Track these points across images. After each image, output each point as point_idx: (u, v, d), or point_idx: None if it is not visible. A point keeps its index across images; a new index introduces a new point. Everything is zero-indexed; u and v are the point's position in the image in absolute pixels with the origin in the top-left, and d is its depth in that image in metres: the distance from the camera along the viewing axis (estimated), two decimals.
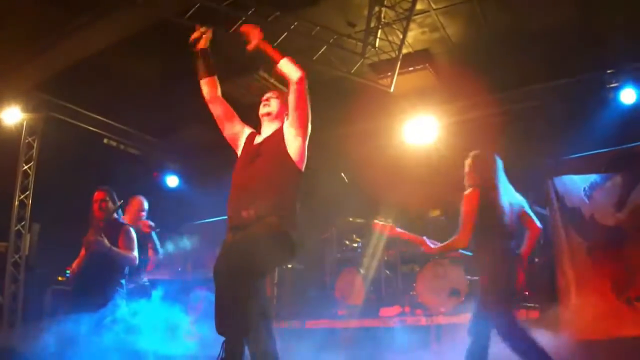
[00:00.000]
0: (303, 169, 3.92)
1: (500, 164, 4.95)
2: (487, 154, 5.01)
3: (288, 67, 3.87)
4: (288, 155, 3.84)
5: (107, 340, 5.44)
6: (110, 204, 6.19)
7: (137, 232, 6.23)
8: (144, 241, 6.76)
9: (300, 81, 3.83)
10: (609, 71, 8.26)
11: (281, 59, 3.89)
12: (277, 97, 4.14)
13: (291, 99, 3.88)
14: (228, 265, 3.52)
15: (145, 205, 7.02)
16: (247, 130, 4.23)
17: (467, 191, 4.79)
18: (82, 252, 6.15)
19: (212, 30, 4.24)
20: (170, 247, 7.88)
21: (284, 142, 3.87)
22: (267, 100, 4.14)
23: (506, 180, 4.91)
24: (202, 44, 4.19)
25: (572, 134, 8.07)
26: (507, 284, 4.52)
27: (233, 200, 3.86)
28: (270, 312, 3.71)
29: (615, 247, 7.42)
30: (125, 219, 6.55)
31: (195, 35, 4.21)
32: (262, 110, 4.14)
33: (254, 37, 3.97)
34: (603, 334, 6.43)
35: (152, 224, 6.98)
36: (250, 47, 3.96)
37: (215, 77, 4.22)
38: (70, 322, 5.57)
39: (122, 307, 5.81)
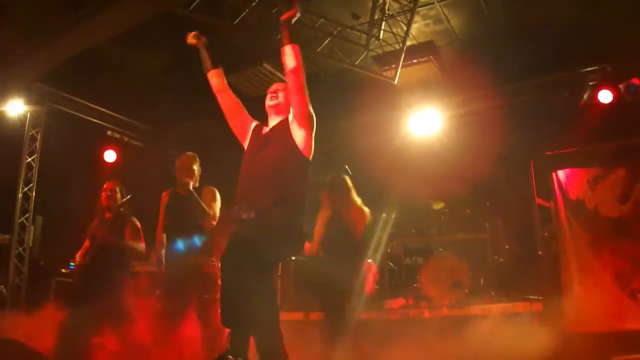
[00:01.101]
0: (311, 157, 3.91)
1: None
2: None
3: (289, 55, 3.85)
4: (295, 145, 3.83)
5: None
6: (118, 195, 6.21)
7: None
8: None
9: (293, 71, 3.81)
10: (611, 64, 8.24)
11: (287, 44, 3.87)
12: (283, 90, 4.12)
13: (291, 88, 3.88)
14: (235, 256, 3.51)
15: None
16: (254, 123, 4.22)
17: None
18: (86, 243, 6.15)
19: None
20: None
21: (290, 133, 3.86)
22: (274, 92, 4.12)
23: None
24: (203, 39, 4.25)
25: (576, 126, 8.04)
26: None
27: (240, 191, 3.85)
28: (277, 306, 3.69)
29: (619, 240, 7.42)
30: None
31: (190, 39, 4.26)
32: (269, 102, 4.12)
33: (293, 11, 3.92)
34: (607, 327, 6.44)
35: None
36: (283, 17, 3.91)
37: (221, 69, 4.26)
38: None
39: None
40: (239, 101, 4.24)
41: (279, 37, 3.97)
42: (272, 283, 3.72)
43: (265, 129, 4.09)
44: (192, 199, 5.44)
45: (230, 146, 4.53)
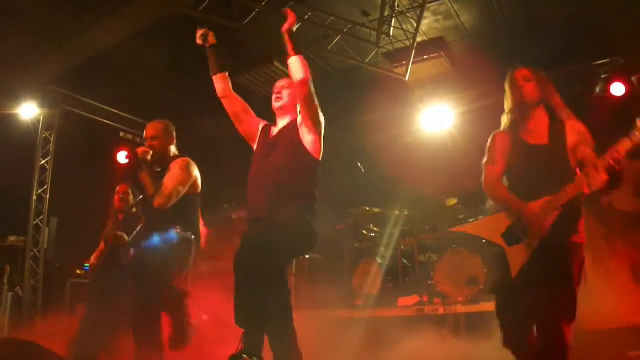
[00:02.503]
0: (320, 158, 3.91)
1: None
2: None
3: (295, 67, 3.86)
4: (303, 146, 3.84)
5: None
6: (130, 197, 6.26)
7: None
8: None
9: (302, 83, 3.81)
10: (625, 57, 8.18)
11: (293, 55, 3.88)
12: (288, 87, 4.12)
13: (298, 101, 3.90)
14: (248, 256, 3.52)
15: None
16: (262, 124, 4.22)
17: None
18: (101, 245, 6.19)
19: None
20: None
21: (299, 137, 3.86)
22: (279, 92, 4.11)
23: None
24: (211, 40, 4.22)
25: (589, 120, 7.98)
26: None
27: (251, 192, 3.87)
28: (290, 304, 3.69)
29: (634, 234, 7.37)
30: None
31: (198, 40, 4.25)
32: (275, 104, 4.12)
33: (291, 19, 3.94)
34: (623, 322, 6.39)
35: None
36: (284, 27, 3.93)
37: (227, 74, 4.23)
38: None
39: None
40: (245, 104, 4.23)
41: (281, 48, 3.97)
42: (285, 281, 3.72)
43: (274, 130, 4.09)
44: None
45: (241, 146, 4.53)
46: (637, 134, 3.42)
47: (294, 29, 3.96)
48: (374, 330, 6.92)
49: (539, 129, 3.70)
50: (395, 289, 8.41)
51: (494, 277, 3.77)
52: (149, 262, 4.62)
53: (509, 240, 3.53)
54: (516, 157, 3.69)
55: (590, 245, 7.69)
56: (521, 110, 3.73)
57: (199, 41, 4.24)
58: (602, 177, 3.38)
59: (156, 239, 4.70)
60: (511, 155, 3.71)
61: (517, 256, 3.48)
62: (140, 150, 4.74)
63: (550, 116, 3.74)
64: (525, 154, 3.65)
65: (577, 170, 3.59)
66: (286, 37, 3.92)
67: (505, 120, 3.84)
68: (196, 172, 4.99)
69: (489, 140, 3.87)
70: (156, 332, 4.61)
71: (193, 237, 4.91)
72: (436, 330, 6.65)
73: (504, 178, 3.79)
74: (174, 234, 4.73)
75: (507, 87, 3.88)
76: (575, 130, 3.65)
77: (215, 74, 4.20)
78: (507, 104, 3.83)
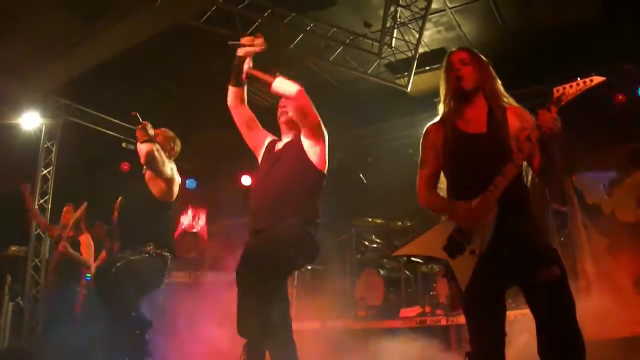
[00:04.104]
0: (325, 171, 3.89)
1: None
2: None
3: (283, 85, 3.77)
4: (308, 159, 3.81)
5: None
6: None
7: None
8: None
9: (299, 96, 3.73)
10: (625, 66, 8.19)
11: (273, 79, 3.79)
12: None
13: (296, 115, 3.85)
14: (250, 266, 3.52)
15: None
16: (269, 138, 4.20)
17: None
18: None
19: (258, 45, 4.00)
20: None
21: (304, 150, 3.83)
22: (283, 107, 4.07)
23: None
24: (242, 52, 4.00)
25: (590, 130, 8.00)
26: None
27: (254, 204, 3.85)
28: (290, 315, 3.69)
29: (637, 244, 7.35)
30: None
31: (237, 48, 4.01)
32: (280, 119, 4.10)
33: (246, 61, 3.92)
34: (626, 332, 6.37)
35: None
36: (248, 70, 3.92)
37: (244, 89, 4.14)
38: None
39: None
40: (253, 117, 4.19)
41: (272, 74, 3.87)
42: (286, 292, 3.71)
43: (279, 145, 4.08)
44: None
45: (245, 159, 4.51)
46: (561, 88, 3.06)
47: (249, 64, 3.94)
48: (375, 341, 6.89)
49: (477, 117, 3.29)
50: (397, 300, 8.38)
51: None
52: (116, 283, 4.41)
53: (452, 252, 3.12)
54: (452, 150, 3.28)
55: (593, 255, 7.72)
56: (457, 97, 3.34)
57: (236, 48, 4.02)
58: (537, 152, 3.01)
59: (127, 257, 4.54)
60: (446, 149, 3.31)
61: (462, 267, 3.07)
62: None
63: (489, 103, 3.31)
64: (462, 145, 3.25)
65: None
66: (256, 74, 3.90)
67: (440, 109, 3.47)
68: (177, 177, 4.93)
69: (422, 136, 3.51)
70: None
71: (168, 254, 4.78)
72: (438, 341, 6.62)
73: (443, 180, 3.41)
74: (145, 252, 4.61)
75: (442, 72, 3.46)
76: (517, 116, 3.23)
77: (232, 85, 4.10)
78: (442, 91, 3.45)
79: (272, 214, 3.68)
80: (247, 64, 3.97)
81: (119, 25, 7.41)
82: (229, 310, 3.66)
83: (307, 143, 3.83)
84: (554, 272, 2.92)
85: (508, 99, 3.34)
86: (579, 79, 3.04)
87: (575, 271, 7.62)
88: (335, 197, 6.20)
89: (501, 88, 3.38)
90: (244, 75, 3.96)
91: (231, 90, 4.12)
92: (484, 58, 3.43)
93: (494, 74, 3.40)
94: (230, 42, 4.00)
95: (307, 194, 3.77)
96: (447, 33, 8.44)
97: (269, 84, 3.80)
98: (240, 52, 3.95)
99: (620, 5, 7.38)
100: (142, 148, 4.59)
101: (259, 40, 3.95)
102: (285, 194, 3.70)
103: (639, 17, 7.29)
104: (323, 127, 3.87)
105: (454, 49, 3.48)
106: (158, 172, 4.68)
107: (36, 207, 9.14)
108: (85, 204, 6.86)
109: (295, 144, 3.89)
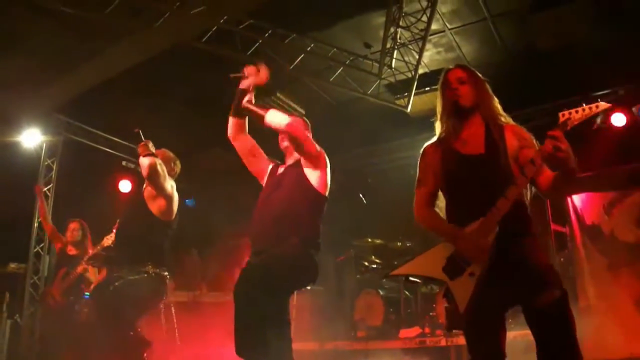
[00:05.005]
0: (326, 194, 3.90)
1: None
2: None
3: (275, 119, 3.76)
4: (308, 182, 3.82)
5: None
6: (81, 233, 6.34)
7: None
8: None
9: (290, 129, 3.72)
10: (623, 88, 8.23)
11: (266, 112, 3.79)
12: None
13: (292, 146, 3.90)
14: (248, 286, 3.52)
15: None
16: (271, 165, 4.20)
17: None
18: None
19: (260, 76, 4.06)
20: None
21: (305, 175, 3.85)
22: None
23: None
24: (244, 85, 4.00)
25: (590, 151, 8.01)
26: None
27: (255, 225, 3.86)
28: (290, 336, 3.68)
29: (636, 264, 7.35)
30: None
31: (242, 74, 4.04)
32: (282, 144, 4.14)
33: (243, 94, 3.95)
34: (626, 353, 6.34)
35: None
36: (242, 104, 3.92)
37: (245, 121, 4.13)
38: None
39: None
40: (255, 145, 4.19)
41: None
42: (286, 313, 3.71)
43: (281, 169, 4.09)
44: None
45: (246, 180, 4.51)
46: (567, 113, 3.07)
47: (247, 97, 3.96)
48: None
49: (474, 137, 3.24)
50: (397, 321, 8.35)
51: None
52: (114, 302, 4.44)
53: (451, 273, 3.09)
54: (451, 173, 3.24)
55: (593, 276, 7.71)
56: (454, 115, 3.30)
57: (236, 78, 4.03)
58: (544, 169, 3.05)
59: (126, 277, 4.54)
60: (444, 171, 3.26)
61: (461, 289, 3.04)
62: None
63: (486, 121, 3.28)
64: (461, 167, 3.20)
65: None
66: (250, 108, 3.92)
67: (437, 127, 3.45)
68: (176, 195, 4.92)
69: (420, 157, 3.48)
70: None
71: (167, 274, 4.78)
72: None
73: (441, 198, 3.36)
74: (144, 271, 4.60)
75: (439, 91, 3.45)
76: (515, 135, 3.20)
77: (232, 116, 4.09)
78: (439, 108, 3.43)
79: (272, 234, 3.69)
80: (249, 97, 3.98)
81: (120, 45, 7.45)
82: (227, 329, 3.66)
83: (307, 168, 3.84)
84: (555, 295, 2.91)
85: (505, 118, 3.33)
86: (584, 104, 3.03)
87: (575, 291, 7.61)
88: (334, 218, 6.20)
89: (498, 106, 3.36)
90: (244, 105, 3.96)
91: (232, 121, 4.11)
92: (480, 76, 3.41)
93: (490, 92, 3.39)
94: (232, 76, 4.01)
95: (308, 215, 3.78)
96: (447, 54, 8.49)
97: (262, 118, 3.80)
98: (244, 84, 3.96)
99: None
100: (145, 161, 4.61)
101: (263, 73, 3.97)
102: (285, 215, 3.72)
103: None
104: (322, 153, 3.88)
105: (450, 67, 3.47)
106: (159, 187, 4.69)
107: (36, 224, 9.14)
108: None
109: (297, 167, 3.91)
